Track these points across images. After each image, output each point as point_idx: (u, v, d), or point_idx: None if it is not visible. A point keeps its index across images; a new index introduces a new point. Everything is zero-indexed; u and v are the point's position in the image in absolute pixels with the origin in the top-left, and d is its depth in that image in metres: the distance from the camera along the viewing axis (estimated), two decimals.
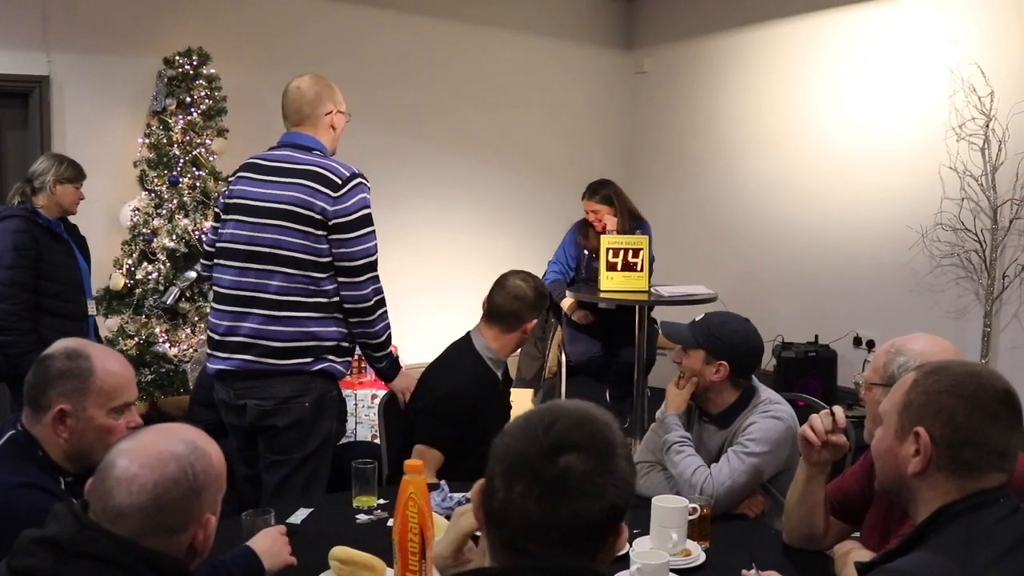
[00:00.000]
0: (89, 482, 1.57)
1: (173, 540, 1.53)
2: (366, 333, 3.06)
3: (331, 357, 3.01)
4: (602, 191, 5.26)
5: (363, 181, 2.99)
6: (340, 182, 2.94)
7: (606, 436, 1.25)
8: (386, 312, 3.10)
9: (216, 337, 3.02)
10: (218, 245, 3.09)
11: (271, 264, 2.92)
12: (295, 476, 2.99)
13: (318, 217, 2.91)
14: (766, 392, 2.73)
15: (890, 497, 1.68)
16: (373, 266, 3.01)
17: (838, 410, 2.16)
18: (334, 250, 2.94)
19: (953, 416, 1.49)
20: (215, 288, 3.09)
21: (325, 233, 2.93)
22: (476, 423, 2.99)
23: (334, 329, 3.00)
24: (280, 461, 3.01)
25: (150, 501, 1.50)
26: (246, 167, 3.10)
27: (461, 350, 3.18)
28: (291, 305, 2.92)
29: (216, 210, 3.25)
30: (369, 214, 2.99)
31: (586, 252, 5.34)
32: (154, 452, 1.53)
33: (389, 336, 3.14)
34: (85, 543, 1.47)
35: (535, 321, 3.21)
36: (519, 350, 3.47)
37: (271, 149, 3.11)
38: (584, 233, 5.37)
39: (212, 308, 3.10)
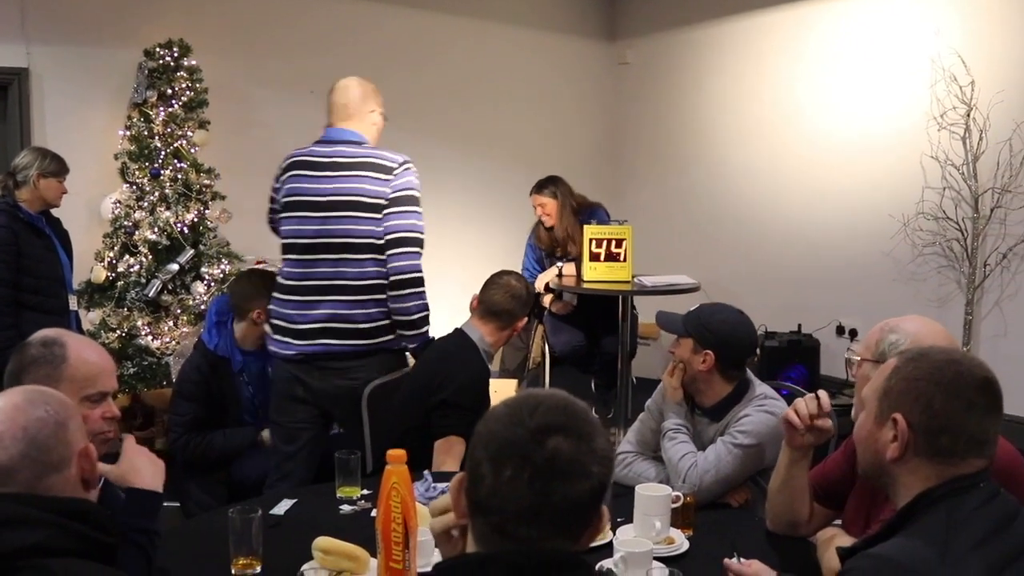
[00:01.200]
0: None
1: (64, 477, 1.57)
2: (398, 308, 3.22)
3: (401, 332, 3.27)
4: (548, 186, 5.38)
5: (412, 166, 3.21)
6: (395, 166, 3.17)
7: (586, 417, 1.28)
8: (422, 293, 3.24)
9: (288, 325, 3.22)
10: (283, 242, 3.30)
11: (346, 253, 3.15)
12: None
13: (383, 203, 3.14)
14: (762, 387, 2.71)
15: (872, 482, 1.69)
16: (415, 242, 3.18)
17: (823, 394, 2.17)
18: (384, 224, 3.14)
19: (930, 403, 1.50)
20: (283, 280, 3.28)
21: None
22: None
23: None
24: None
25: (27, 445, 1.53)
26: (297, 165, 3.25)
27: (458, 343, 3.22)
28: (371, 288, 3.17)
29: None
30: (416, 195, 3.20)
31: (543, 250, 5.47)
32: (7, 408, 1.57)
33: (423, 317, 3.27)
34: None
35: (525, 319, 3.36)
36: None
37: (316, 144, 3.26)
38: (537, 235, 5.51)
39: (278, 299, 3.29)
